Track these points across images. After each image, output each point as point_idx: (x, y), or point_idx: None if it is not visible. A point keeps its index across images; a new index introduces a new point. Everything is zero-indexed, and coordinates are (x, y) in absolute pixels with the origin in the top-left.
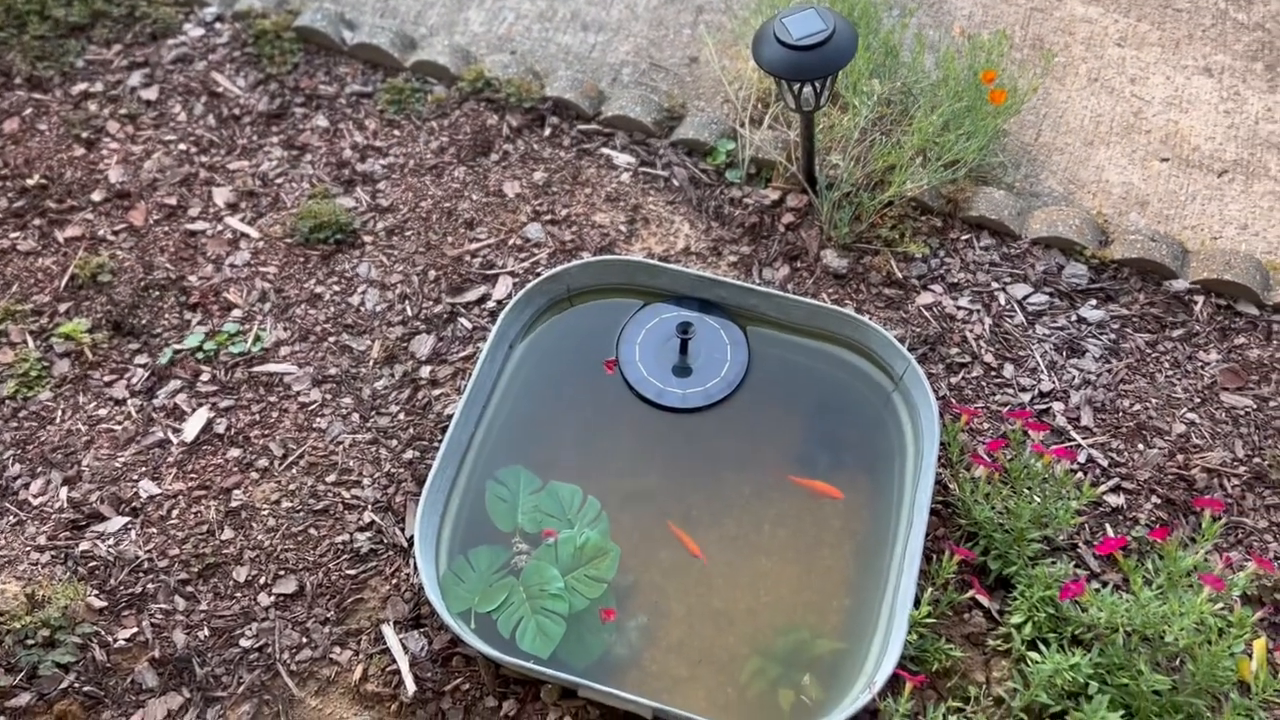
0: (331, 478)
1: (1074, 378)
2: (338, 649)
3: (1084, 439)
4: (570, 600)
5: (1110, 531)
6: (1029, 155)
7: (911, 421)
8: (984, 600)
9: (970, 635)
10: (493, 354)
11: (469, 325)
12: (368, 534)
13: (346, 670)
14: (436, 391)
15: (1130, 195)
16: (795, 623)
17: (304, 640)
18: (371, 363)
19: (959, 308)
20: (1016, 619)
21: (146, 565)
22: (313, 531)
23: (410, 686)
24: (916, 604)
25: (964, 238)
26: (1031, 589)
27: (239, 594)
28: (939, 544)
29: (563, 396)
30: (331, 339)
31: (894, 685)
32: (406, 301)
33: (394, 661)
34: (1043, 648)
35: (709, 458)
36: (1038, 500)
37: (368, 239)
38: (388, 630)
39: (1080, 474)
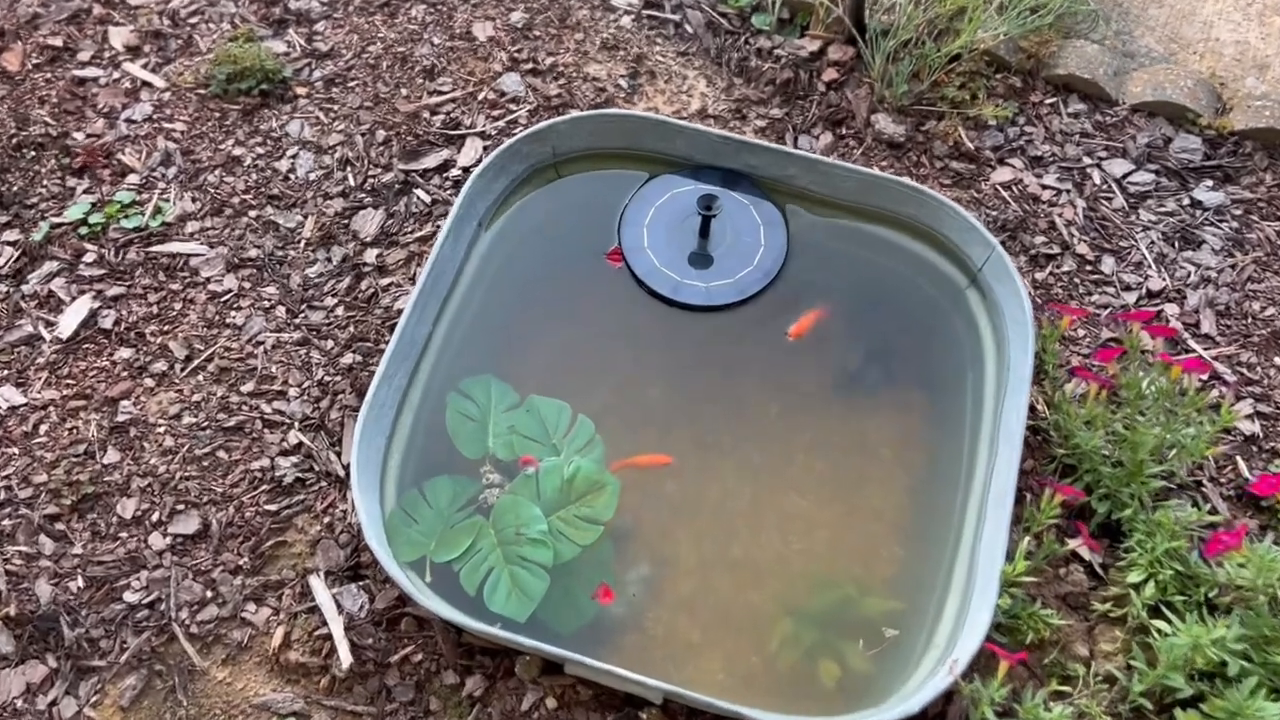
0: (248, 387)
1: (1189, 274)
2: (252, 606)
3: (1206, 349)
4: (555, 547)
5: (1243, 466)
6: (1120, 8)
7: (992, 325)
8: (1086, 553)
9: (1068, 597)
10: (456, 232)
11: (427, 198)
12: (293, 459)
13: (263, 634)
14: (385, 281)
15: (1246, 57)
16: (836, 576)
17: (208, 594)
18: (303, 244)
19: (1044, 187)
20: (1134, 576)
21: (3, 496)
22: (222, 455)
23: (345, 656)
24: (1009, 557)
25: (1049, 101)
26: (1153, 539)
27: (124, 534)
28: (1025, 480)
29: (548, 290)
30: (252, 213)
31: (978, 662)
32: (349, 168)
33: (324, 623)
34: (1168, 614)
35: (731, 368)
36: (1159, 425)
37: (301, 91)
38: (317, 583)
39: (1215, 392)
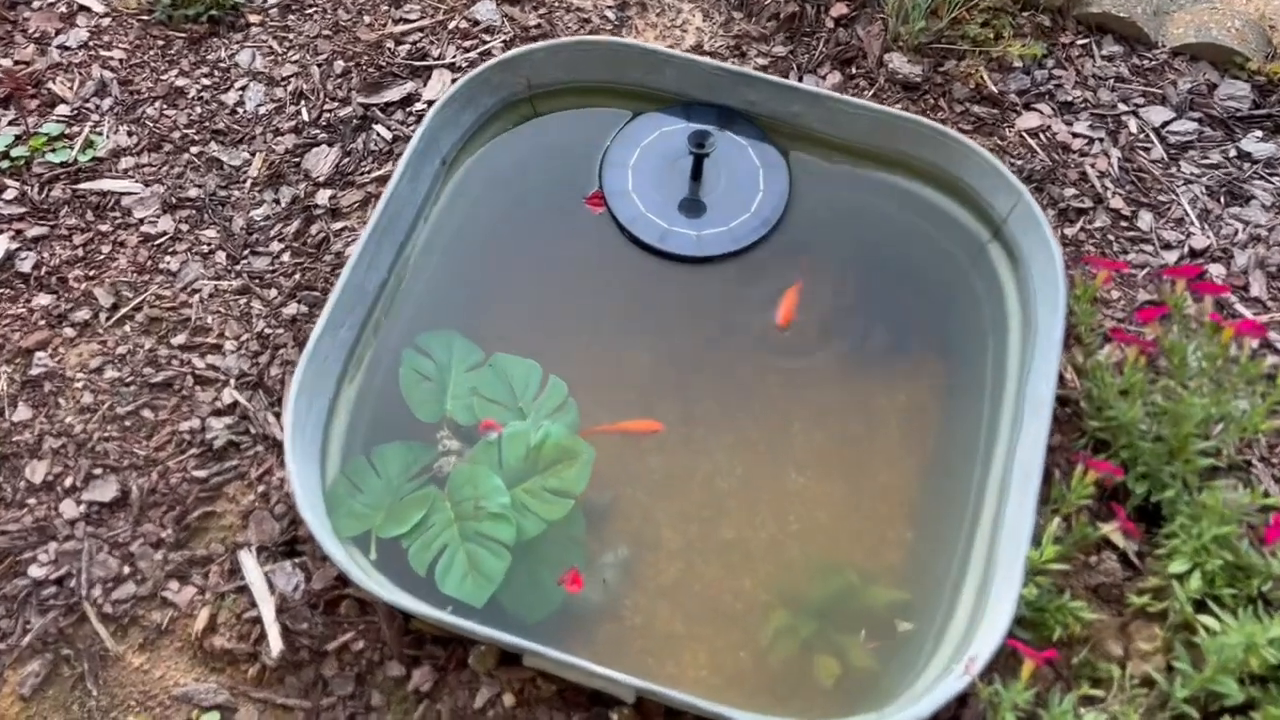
0: (180, 339)
1: (1236, 232)
2: (174, 584)
3: (1255, 314)
4: (519, 523)
5: None
6: None
7: (1017, 282)
8: (1121, 539)
9: (1099, 588)
10: (415, 169)
11: (387, 135)
12: (227, 420)
13: (185, 615)
14: (338, 225)
15: None
16: (837, 562)
17: (125, 570)
18: (249, 183)
19: (1075, 135)
20: (1176, 566)
21: None
22: (147, 414)
23: (275, 643)
24: (1035, 541)
25: (1080, 42)
26: (1199, 524)
27: (32, 500)
28: (1053, 457)
29: (521, 238)
30: (194, 149)
31: (998, 661)
32: (303, 102)
33: (254, 605)
34: (1216, 609)
35: (724, 327)
36: (1206, 396)
37: (254, 19)
38: (248, 560)
39: (1269, 361)
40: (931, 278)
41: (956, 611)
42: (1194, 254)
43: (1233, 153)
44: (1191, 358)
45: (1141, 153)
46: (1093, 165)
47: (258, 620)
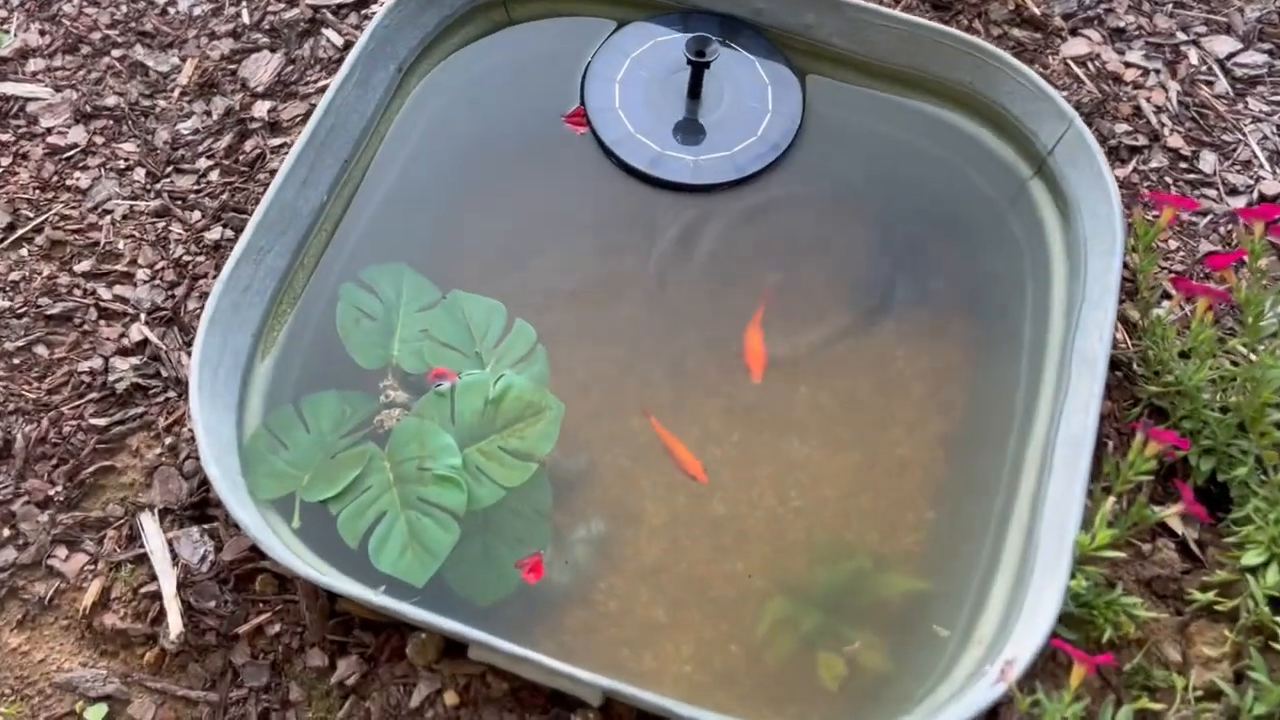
0: (84, 265)
1: None
2: (62, 551)
3: None
4: (471, 488)
5: None
6: None
7: (1063, 225)
8: (1179, 525)
9: (1153, 582)
10: (365, 73)
11: (338, 41)
12: (134, 360)
13: (74, 588)
14: (276, 141)
15: None
16: (846, 544)
17: (5, 533)
18: (177, 92)
19: (1128, 65)
20: (1250, 558)
21: None
22: (40, 351)
23: (175, 623)
24: (1085, 525)
25: None
26: (1278, 509)
27: None
28: (1101, 426)
29: (489, 160)
30: (117, 53)
31: (1038, 665)
32: (244, 2)
33: (155, 578)
34: None
35: (722, 269)
36: None
37: None
38: (149, 523)
39: None
40: (963, 220)
41: (988, 605)
42: (1264, 200)
43: None
44: (1270, 314)
45: (1204, 86)
46: (1148, 99)
47: (157, 596)
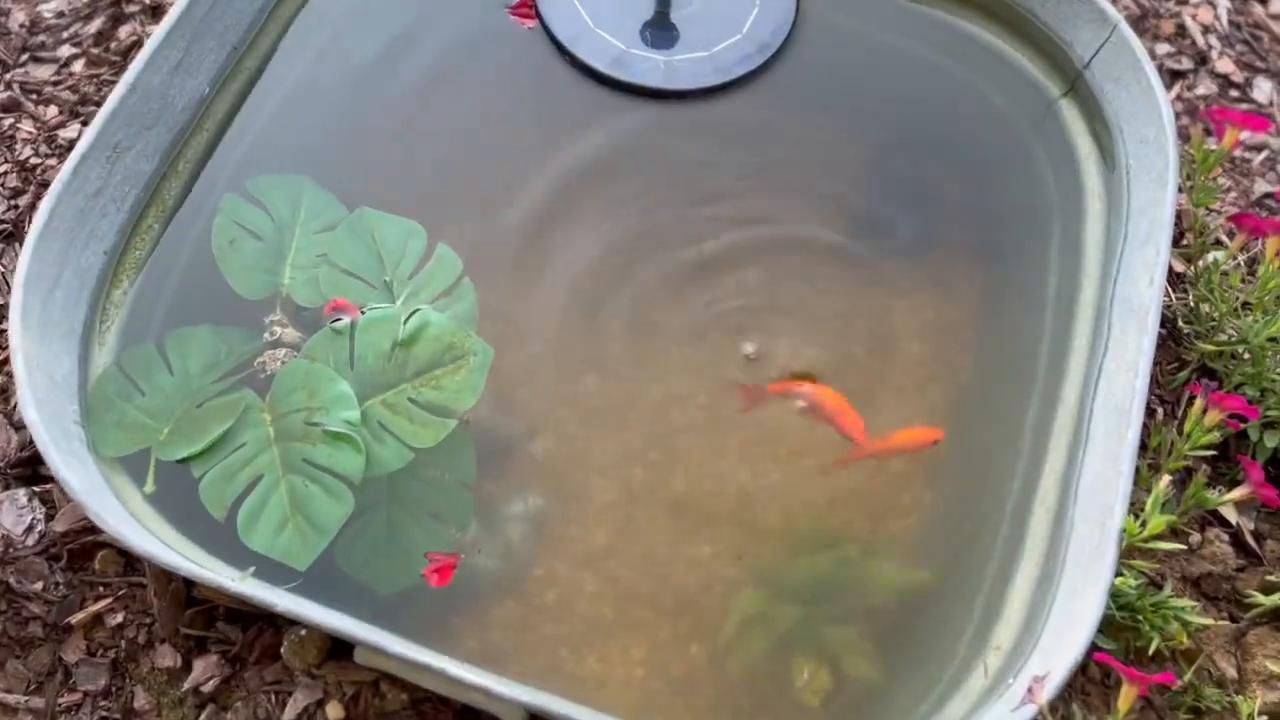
0: None
1: None
2: None
3: None
4: (372, 449)
5: None
6: None
7: (1100, 151)
8: (1234, 514)
9: (1201, 581)
10: None
11: None
12: None
13: None
14: (156, 27)
15: None
16: (830, 528)
17: None
18: None
19: None
20: None
21: None
22: None
23: None
24: (1136, 510)
25: None
26: None
27: None
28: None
29: (416, 55)
30: None
31: (1073, 682)
32: None
33: None
34: None
35: (694, 196)
36: None
37: None
38: None
39: None
40: (978, 147)
41: (1005, 604)
42: None
43: None
44: None
45: (1258, 5)
46: (1193, 16)
47: None
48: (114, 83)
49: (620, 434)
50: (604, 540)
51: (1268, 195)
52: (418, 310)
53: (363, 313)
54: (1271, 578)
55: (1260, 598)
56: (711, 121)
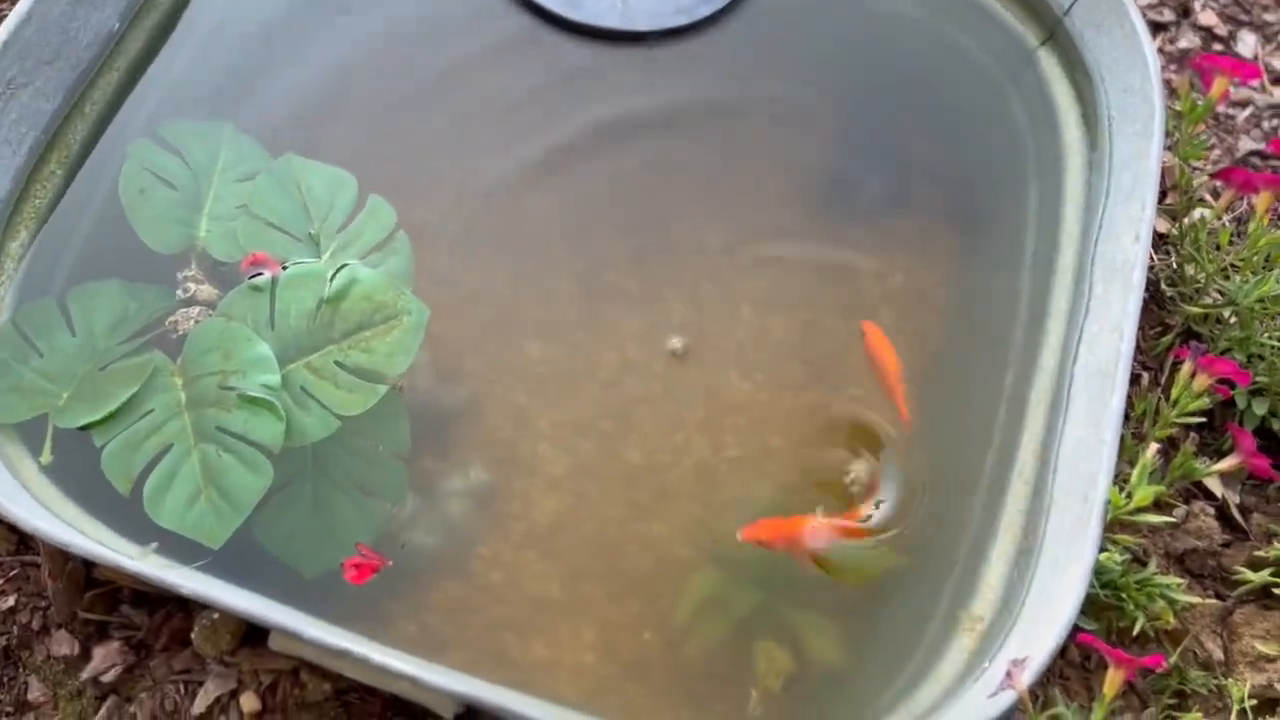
0: None
1: None
2: None
3: None
4: (294, 417)
5: None
6: None
7: (1081, 103)
8: (1217, 487)
9: (1186, 557)
10: None
11: None
12: None
13: None
14: None
15: None
16: (794, 504)
17: None
18: None
19: None
20: None
21: None
22: None
23: None
24: (1119, 482)
25: None
26: None
27: None
28: None
29: None
30: None
31: (1053, 667)
32: None
33: None
34: None
35: (654, 150)
36: None
37: None
38: None
39: None
40: (951, 100)
41: (980, 582)
42: None
43: None
44: None
45: None
46: None
47: None
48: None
49: (571, 403)
50: (552, 517)
51: (1254, 153)
52: (346, 266)
53: (285, 268)
54: (1259, 553)
55: (1248, 574)
56: (671, 68)
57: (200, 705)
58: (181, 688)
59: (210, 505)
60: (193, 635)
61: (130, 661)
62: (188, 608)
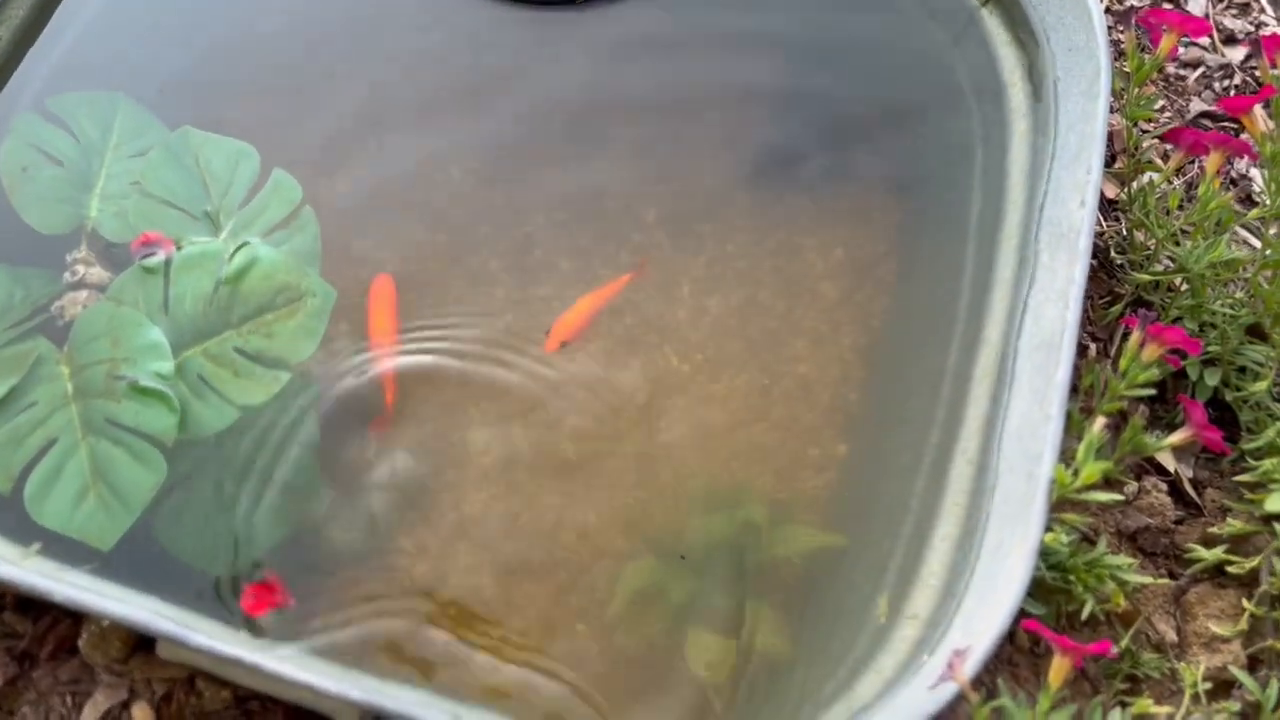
0: None
1: None
2: None
3: None
4: (191, 407)
5: None
6: None
7: (1025, 62)
8: (1170, 462)
9: (1138, 536)
10: None
11: None
12: None
13: None
14: None
15: None
16: (733, 488)
17: None
18: None
19: None
20: (1276, 502)
21: None
22: None
23: None
24: (1065, 459)
25: None
26: None
27: None
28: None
29: None
30: None
31: (998, 654)
32: None
33: None
34: None
35: (581, 124)
36: None
37: None
38: None
39: None
40: (892, 64)
41: (923, 567)
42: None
43: None
44: None
45: None
46: None
47: None
48: None
49: (497, 390)
50: (480, 507)
51: (1204, 114)
52: (246, 244)
53: (179, 248)
54: (1213, 529)
55: (1201, 552)
56: (602, 34)
57: (89, 717)
58: (69, 699)
59: (100, 503)
60: (80, 643)
61: (12, 673)
62: (75, 614)
